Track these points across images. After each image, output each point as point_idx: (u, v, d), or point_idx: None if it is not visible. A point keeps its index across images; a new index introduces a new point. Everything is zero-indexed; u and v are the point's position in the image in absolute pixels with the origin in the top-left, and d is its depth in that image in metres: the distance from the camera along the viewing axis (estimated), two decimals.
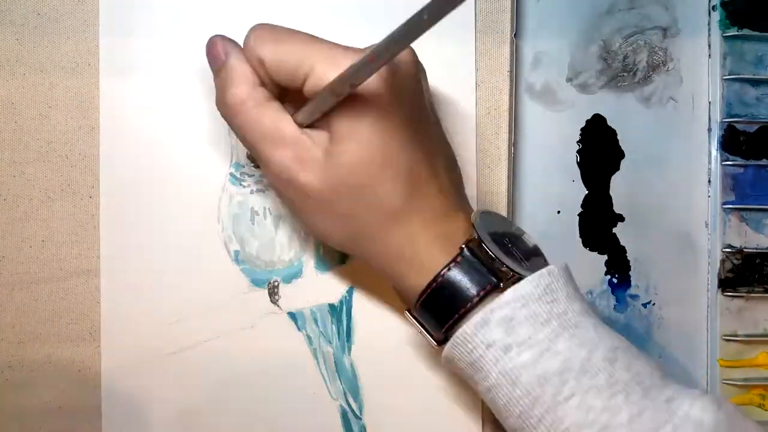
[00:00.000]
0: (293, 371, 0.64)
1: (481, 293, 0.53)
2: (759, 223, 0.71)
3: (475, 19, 0.65)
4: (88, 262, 0.63)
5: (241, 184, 0.64)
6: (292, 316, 0.64)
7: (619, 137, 0.71)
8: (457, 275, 0.53)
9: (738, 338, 0.70)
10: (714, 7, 0.71)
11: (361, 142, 0.51)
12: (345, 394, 0.65)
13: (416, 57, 0.55)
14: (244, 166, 0.64)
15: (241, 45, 0.54)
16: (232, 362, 0.64)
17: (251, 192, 0.64)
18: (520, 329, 0.51)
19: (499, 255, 0.53)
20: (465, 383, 0.56)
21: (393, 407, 0.65)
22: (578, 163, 0.70)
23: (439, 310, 0.54)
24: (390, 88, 0.52)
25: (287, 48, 0.53)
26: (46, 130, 0.63)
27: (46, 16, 0.62)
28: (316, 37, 0.53)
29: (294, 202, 0.55)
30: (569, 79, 0.71)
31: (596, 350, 0.51)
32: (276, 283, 0.64)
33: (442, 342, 0.55)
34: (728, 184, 0.71)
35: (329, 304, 0.65)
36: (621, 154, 0.71)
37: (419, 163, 0.54)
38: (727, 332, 0.71)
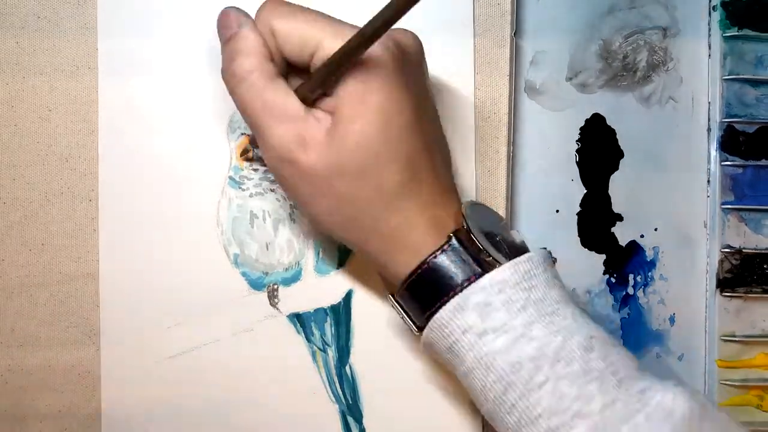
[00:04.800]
0: (293, 375, 0.65)
1: (465, 283, 0.53)
2: (758, 223, 0.71)
3: (474, 22, 0.65)
4: (87, 265, 0.63)
5: (240, 188, 0.64)
6: (292, 319, 0.64)
7: (618, 137, 0.71)
8: (444, 262, 0.54)
9: (736, 339, 0.71)
10: (714, 7, 0.71)
11: (365, 124, 0.51)
12: (345, 397, 0.65)
13: (421, 44, 0.56)
14: (243, 170, 0.64)
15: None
16: (231, 366, 0.64)
17: (250, 195, 0.64)
18: (495, 314, 0.52)
19: (486, 246, 0.54)
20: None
21: (393, 410, 0.65)
22: (577, 163, 0.70)
23: (424, 296, 0.55)
24: (396, 72, 0.52)
25: (299, 22, 0.53)
26: (46, 133, 0.62)
27: (45, 19, 0.62)
28: (327, 15, 0.54)
29: (291, 181, 0.54)
30: (569, 79, 0.70)
31: (572, 338, 0.52)
32: (275, 287, 0.64)
33: (423, 328, 0.56)
34: (727, 184, 0.71)
35: (329, 308, 0.65)
36: (620, 154, 0.71)
37: (419, 149, 0.54)
38: (725, 333, 0.71)
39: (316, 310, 0.65)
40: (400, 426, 0.65)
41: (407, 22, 0.61)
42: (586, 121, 0.70)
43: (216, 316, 0.64)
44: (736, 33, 0.70)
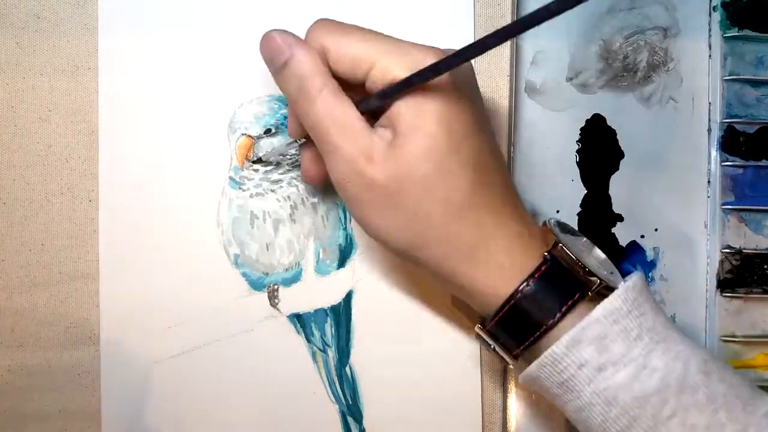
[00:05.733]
0: (293, 375, 0.65)
1: (568, 304, 0.52)
2: (758, 224, 0.71)
3: (474, 22, 0.65)
4: (87, 265, 0.63)
5: (240, 188, 0.64)
6: (292, 319, 0.64)
7: (618, 137, 0.71)
8: (541, 286, 0.52)
9: (736, 339, 0.70)
10: (714, 8, 0.71)
11: (426, 134, 0.50)
12: (345, 397, 0.65)
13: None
14: (243, 170, 0.64)
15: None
16: (231, 366, 0.64)
17: (251, 196, 0.64)
18: (613, 347, 0.50)
19: (587, 263, 0.52)
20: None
21: (393, 411, 0.65)
22: (578, 163, 0.70)
23: (520, 324, 0.53)
24: (453, 84, 0.52)
25: (352, 40, 0.52)
26: (46, 134, 0.62)
27: (45, 19, 0.62)
28: (379, 32, 0.53)
29: (359, 198, 0.53)
30: (569, 79, 0.70)
31: (690, 364, 0.50)
32: (275, 287, 0.64)
33: (516, 357, 0.55)
34: (727, 184, 0.71)
35: (329, 308, 0.65)
36: (620, 154, 0.71)
37: (484, 154, 0.53)
38: (725, 333, 0.71)
39: (317, 311, 0.65)
40: (400, 426, 0.65)
41: (408, 21, 0.61)
42: (587, 121, 0.70)
43: (216, 316, 0.64)
44: (737, 33, 0.70)
